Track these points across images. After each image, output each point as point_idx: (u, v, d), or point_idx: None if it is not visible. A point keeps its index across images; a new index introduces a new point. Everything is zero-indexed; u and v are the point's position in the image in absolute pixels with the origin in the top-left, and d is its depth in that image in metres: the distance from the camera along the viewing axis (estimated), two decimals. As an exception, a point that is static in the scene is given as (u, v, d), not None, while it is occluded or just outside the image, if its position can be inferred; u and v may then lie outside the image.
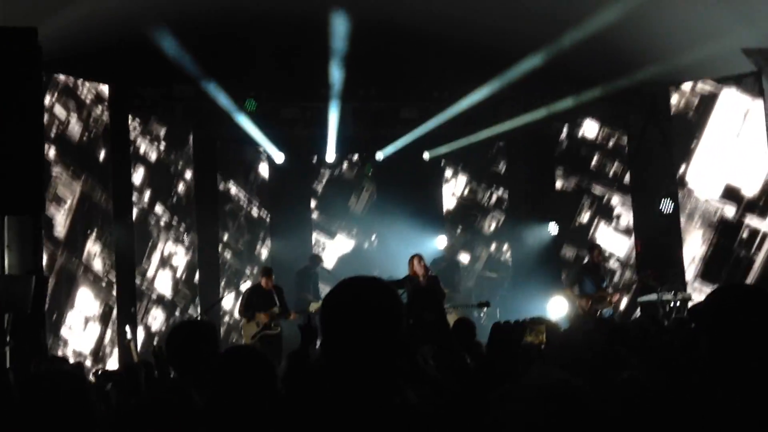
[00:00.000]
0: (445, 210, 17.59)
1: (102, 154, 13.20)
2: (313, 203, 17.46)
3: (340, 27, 13.41)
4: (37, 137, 9.24)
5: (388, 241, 16.77)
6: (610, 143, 15.63)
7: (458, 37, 14.41)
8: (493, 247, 17.29)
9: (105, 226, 13.06)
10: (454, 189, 17.69)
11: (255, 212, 16.55)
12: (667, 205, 14.02)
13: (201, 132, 15.31)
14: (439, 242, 16.75)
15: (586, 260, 12.93)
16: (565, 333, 5.49)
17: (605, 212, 15.55)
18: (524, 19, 13.40)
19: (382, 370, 2.70)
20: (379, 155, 16.70)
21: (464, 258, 17.22)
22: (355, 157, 17.36)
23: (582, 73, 13.99)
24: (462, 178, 17.66)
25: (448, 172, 17.69)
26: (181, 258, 14.57)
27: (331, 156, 16.53)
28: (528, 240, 16.41)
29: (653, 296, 12.54)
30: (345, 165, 17.42)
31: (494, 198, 17.46)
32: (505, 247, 17.10)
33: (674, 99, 14.12)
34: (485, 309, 13.40)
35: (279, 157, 16.19)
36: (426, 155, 16.77)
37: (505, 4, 13.38)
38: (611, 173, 15.54)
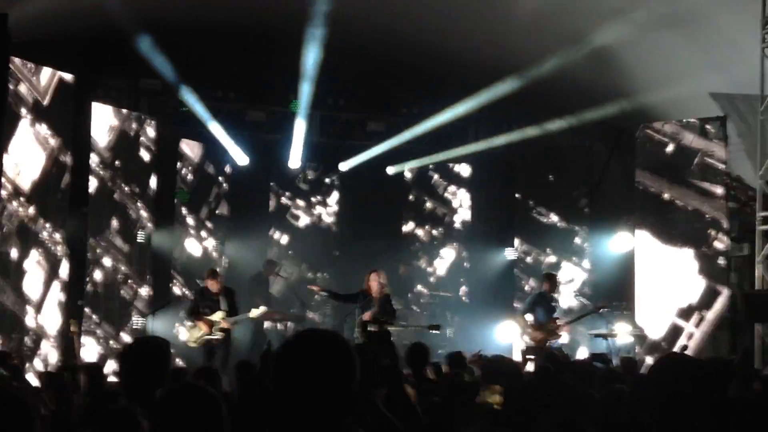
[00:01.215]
0: (405, 226, 17.57)
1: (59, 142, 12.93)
2: (272, 208, 17.35)
3: (314, 35, 13.36)
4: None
5: (348, 252, 16.72)
6: (573, 174, 15.73)
7: (432, 56, 14.50)
8: (449, 265, 17.30)
9: (60, 214, 12.81)
10: (416, 205, 17.67)
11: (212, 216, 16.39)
12: (623, 241, 14.17)
13: (165, 128, 15.08)
14: (397, 258, 16.80)
15: (540, 289, 12.98)
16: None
17: (563, 242, 15.65)
18: (499, 46, 13.50)
19: (332, 427, 2.65)
20: (343, 166, 16.68)
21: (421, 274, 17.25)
22: (319, 165, 17.28)
23: (551, 102, 14.10)
24: (425, 196, 17.65)
25: (412, 189, 17.65)
26: (135, 254, 14.29)
27: (294, 162, 16.45)
28: (485, 263, 16.45)
29: (603, 329, 12.66)
30: (308, 172, 17.32)
31: (455, 218, 17.47)
32: (463, 267, 17.11)
33: (638, 137, 14.22)
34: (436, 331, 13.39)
35: (243, 160, 16.06)
36: (390, 170, 16.75)
37: (482, 29, 13.45)
38: (573, 203, 15.64)
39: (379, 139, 15.97)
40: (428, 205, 17.58)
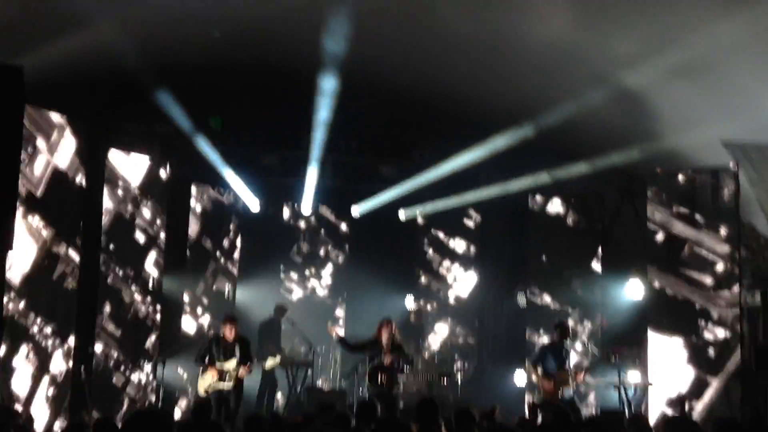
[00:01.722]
0: (417, 272, 17.55)
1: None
2: (285, 253, 17.37)
3: (328, 78, 13.45)
4: (13, 176, 9.13)
5: (358, 298, 16.69)
6: (584, 221, 15.70)
7: (445, 100, 14.54)
8: (459, 315, 17.26)
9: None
10: (427, 252, 17.66)
11: (225, 259, 16.38)
12: (633, 288, 14.09)
13: (177, 171, 15.10)
14: (408, 303, 16.75)
15: (550, 338, 12.90)
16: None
17: (574, 289, 15.57)
18: (511, 92, 13.54)
19: None
20: (355, 210, 16.70)
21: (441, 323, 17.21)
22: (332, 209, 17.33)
23: (562, 149, 14.10)
24: (437, 242, 17.64)
25: (424, 234, 17.66)
26: (143, 302, 14.26)
27: (307, 207, 16.48)
28: (496, 311, 16.39)
29: (615, 379, 12.56)
30: (321, 216, 17.35)
31: (466, 266, 17.43)
32: (473, 315, 17.05)
33: (650, 185, 14.21)
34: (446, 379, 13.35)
35: (254, 204, 16.09)
36: (402, 214, 16.76)
37: (496, 73, 13.51)
38: (582, 252, 15.58)
39: (392, 183, 16.00)
40: (439, 251, 17.57)
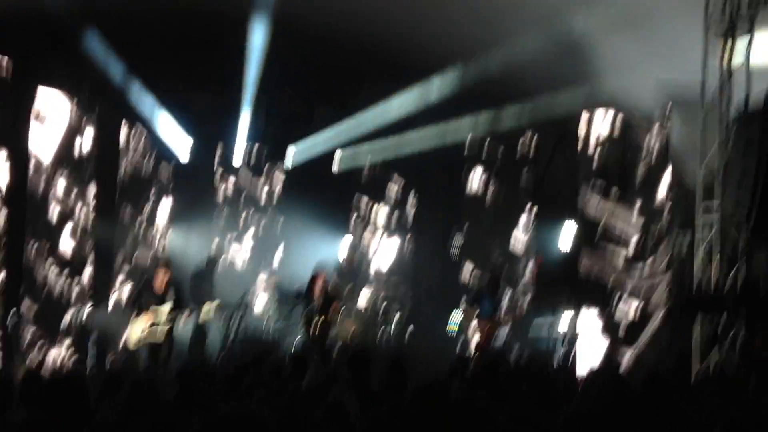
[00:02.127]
0: (353, 215, 17.50)
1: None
2: (219, 196, 17.19)
3: (260, 23, 13.17)
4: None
5: (294, 242, 16.61)
6: (517, 162, 15.77)
7: (382, 43, 14.34)
8: (396, 258, 17.31)
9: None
10: (364, 193, 17.62)
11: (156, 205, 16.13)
12: (568, 230, 14.21)
13: (107, 112, 14.74)
14: (344, 245, 16.75)
15: (486, 280, 12.97)
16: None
17: (509, 232, 15.71)
18: (446, 35, 13.40)
19: None
20: (289, 155, 16.53)
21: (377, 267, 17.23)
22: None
23: (499, 93, 14.05)
24: (373, 184, 17.61)
25: (359, 179, 17.59)
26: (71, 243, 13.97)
27: (240, 151, 16.25)
28: (431, 254, 16.46)
29: (548, 320, 12.77)
30: (254, 161, 17.14)
31: (404, 204, 17.46)
32: (409, 259, 17.11)
33: (583, 126, 14.29)
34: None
35: (188, 147, 15.81)
36: (336, 159, 16.65)
37: (431, 17, 13.35)
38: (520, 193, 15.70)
39: (326, 128, 15.83)
40: (374, 196, 17.55)
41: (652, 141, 13.51)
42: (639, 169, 13.63)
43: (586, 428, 3.35)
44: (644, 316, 13.12)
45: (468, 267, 15.83)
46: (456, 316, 13.92)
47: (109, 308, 14.20)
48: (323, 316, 12.09)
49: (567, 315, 13.07)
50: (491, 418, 5.24)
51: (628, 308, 13.39)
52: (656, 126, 13.46)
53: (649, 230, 13.39)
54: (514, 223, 15.64)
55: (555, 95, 13.62)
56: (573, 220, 14.24)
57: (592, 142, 14.12)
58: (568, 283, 14.06)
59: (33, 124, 13.28)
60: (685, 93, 12.84)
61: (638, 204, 13.57)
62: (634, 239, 13.53)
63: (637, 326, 13.29)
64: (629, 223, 13.60)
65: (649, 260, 13.28)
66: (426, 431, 3.87)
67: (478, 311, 12.42)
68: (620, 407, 5.41)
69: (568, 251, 14.22)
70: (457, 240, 16.14)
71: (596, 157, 14.11)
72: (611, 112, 13.97)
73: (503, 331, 12.34)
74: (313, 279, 12.19)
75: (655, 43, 12.41)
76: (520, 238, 15.50)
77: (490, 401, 6.18)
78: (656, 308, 13.07)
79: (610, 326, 13.51)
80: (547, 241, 14.72)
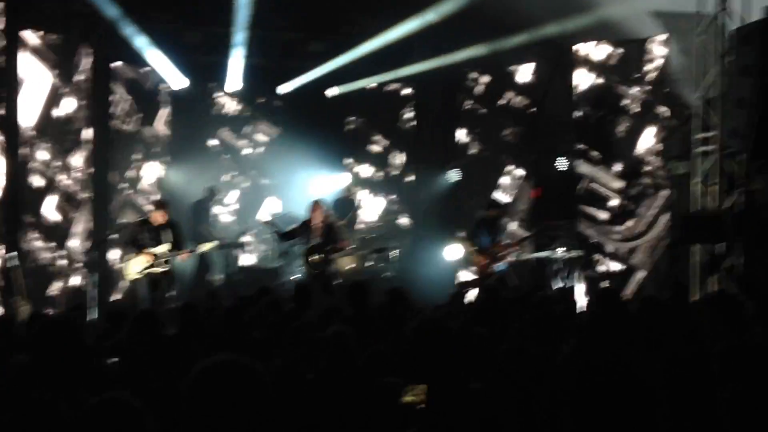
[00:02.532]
0: (348, 149, 17.46)
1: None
2: (214, 133, 17.15)
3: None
4: None
5: (290, 177, 16.59)
6: (512, 94, 15.68)
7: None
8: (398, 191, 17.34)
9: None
10: (358, 130, 17.55)
11: (152, 140, 16.03)
12: (563, 163, 14.19)
13: (99, 51, 14.59)
14: (340, 180, 16.72)
15: (483, 213, 12.97)
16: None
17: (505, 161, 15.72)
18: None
19: None
20: (282, 88, 16.40)
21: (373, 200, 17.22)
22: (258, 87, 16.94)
23: (494, 21, 13.87)
24: (366, 121, 17.52)
25: (354, 112, 17.48)
26: (66, 183, 13.91)
27: (233, 85, 16.12)
28: (429, 187, 16.44)
29: (547, 252, 12.82)
30: (248, 95, 17.01)
31: (399, 143, 17.40)
32: (407, 192, 17.11)
33: (579, 55, 14.19)
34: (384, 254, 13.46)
35: (181, 83, 15.67)
36: (330, 92, 16.52)
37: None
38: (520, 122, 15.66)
39: (320, 60, 15.66)
40: (369, 128, 17.49)
41: (649, 71, 13.43)
42: (634, 101, 13.58)
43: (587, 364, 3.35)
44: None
45: (466, 197, 15.82)
46: (453, 247, 13.99)
47: (108, 248, 14.22)
48: (324, 250, 12.14)
49: (565, 247, 13.12)
50: (491, 351, 5.30)
51: (626, 232, 13.48)
52: (653, 55, 13.37)
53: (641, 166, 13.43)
54: (511, 155, 15.60)
55: (552, 24, 13.46)
56: (569, 152, 14.22)
57: (588, 71, 14.04)
58: (566, 215, 14.11)
59: (25, 66, 13.11)
60: (681, 23, 12.74)
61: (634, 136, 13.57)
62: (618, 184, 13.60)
63: (633, 254, 13.40)
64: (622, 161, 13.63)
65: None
66: (426, 364, 3.91)
67: (476, 242, 12.45)
68: (621, 333, 5.48)
69: (565, 181, 14.22)
70: (455, 172, 16.10)
71: (592, 86, 14.06)
72: (607, 41, 13.88)
73: (501, 264, 12.38)
74: (312, 210, 12.21)
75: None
76: (516, 172, 15.49)
77: (490, 333, 6.26)
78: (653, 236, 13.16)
79: (608, 256, 13.61)
80: (544, 172, 14.69)
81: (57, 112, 13.67)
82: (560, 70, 14.53)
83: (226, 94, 16.81)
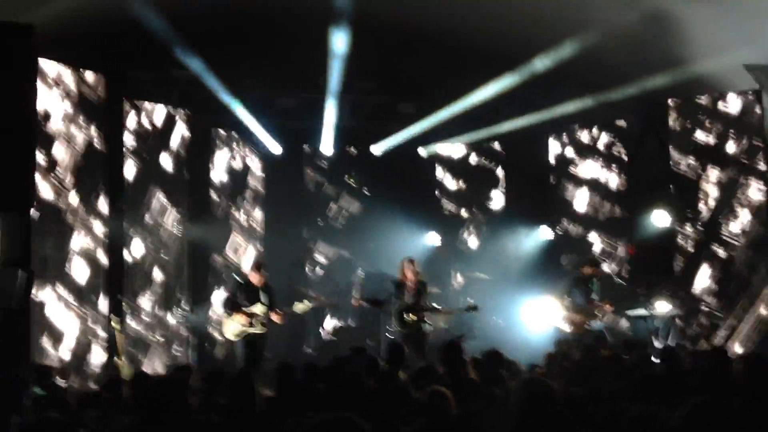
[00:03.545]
0: (439, 208, 17.53)
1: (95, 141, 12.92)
2: (306, 195, 17.43)
3: (341, 18, 13.22)
4: (30, 134, 9.17)
5: (381, 238, 16.70)
6: (606, 149, 15.57)
7: (460, 35, 14.28)
8: (485, 246, 17.26)
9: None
10: (449, 187, 17.64)
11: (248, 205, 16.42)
12: (660, 217, 13.93)
13: (196, 118, 15.07)
14: (431, 240, 16.75)
15: (578, 272, 12.82)
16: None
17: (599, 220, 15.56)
18: (529, 23, 13.27)
19: None
20: (375, 149, 16.60)
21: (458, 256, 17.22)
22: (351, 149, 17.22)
23: (582, 80, 13.87)
24: (457, 178, 17.62)
25: (443, 171, 17.61)
26: (171, 251, 14.31)
27: (326, 148, 16.40)
28: (521, 244, 16.33)
29: (642, 311, 12.56)
30: (340, 158, 17.27)
31: (489, 199, 17.42)
32: (498, 248, 17.03)
33: (672, 112, 14.05)
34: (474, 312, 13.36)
35: (275, 148, 16.02)
36: (422, 151, 16.65)
37: (512, 5, 13.24)
38: (606, 181, 15.51)
39: (410, 121, 15.84)
40: (462, 186, 17.55)
41: (745, 125, 13.20)
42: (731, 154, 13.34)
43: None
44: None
45: (560, 256, 15.68)
46: (546, 304, 13.69)
47: (207, 308, 14.53)
48: (415, 308, 12.13)
49: (663, 304, 12.84)
50: (592, 414, 5.23)
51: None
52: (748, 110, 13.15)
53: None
54: (606, 212, 15.45)
55: (644, 80, 13.37)
56: (665, 207, 13.96)
57: (683, 126, 13.87)
58: (663, 272, 13.82)
59: (127, 137, 13.60)
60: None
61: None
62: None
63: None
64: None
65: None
66: (531, 425, 3.88)
67: (570, 300, 12.30)
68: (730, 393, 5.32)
69: (662, 238, 13.96)
70: (547, 230, 16.00)
71: (687, 141, 13.87)
72: (701, 96, 13.71)
73: (597, 322, 12.19)
74: (403, 267, 12.23)
75: (743, 25, 12.12)
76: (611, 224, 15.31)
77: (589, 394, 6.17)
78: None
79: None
80: (640, 228, 14.45)
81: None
82: (654, 126, 14.36)
83: (318, 157, 17.08)
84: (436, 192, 17.65)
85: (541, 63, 13.60)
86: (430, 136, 16.13)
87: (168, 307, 14.03)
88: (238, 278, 12.94)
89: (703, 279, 13.47)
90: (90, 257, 12.52)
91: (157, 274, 13.95)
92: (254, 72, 15.48)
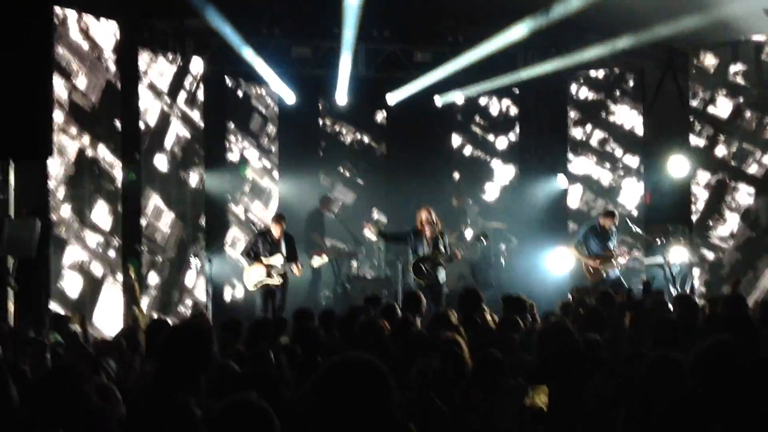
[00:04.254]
0: (455, 157, 17.47)
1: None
2: (322, 145, 17.42)
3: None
4: (46, 81, 9.10)
5: (398, 186, 16.68)
6: (624, 98, 15.45)
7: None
8: (501, 196, 17.22)
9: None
10: (465, 135, 17.57)
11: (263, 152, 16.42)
12: (677, 164, 13.80)
13: (211, 68, 15.03)
14: (449, 190, 16.75)
15: (595, 222, 12.78)
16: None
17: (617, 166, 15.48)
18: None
19: None
20: (390, 98, 16.49)
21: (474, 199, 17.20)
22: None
23: (602, 25, 13.68)
24: (474, 125, 17.54)
25: (460, 118, 17.55)
26: (187, 201, 14.32)
27: (341, 98, 16.32)
28: (537, 192, 16.28)
29: (659, 259, 12.53)
30: (356, 107, 17.18)
31: (505, 146, 17.36)
32: (513, 195, 16.99)
33: (692, 56, 13.89)
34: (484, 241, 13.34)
35: (290, 97, 15.96)
36: (438, 100, 16.54)
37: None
38: (624, 125, 15.41)
39: (426, 70, 15.69)
40: (478, 132, 17.49)
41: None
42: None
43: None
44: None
45: (577, 198, 15.64)
46: (561, 253, 13.65)
47: (225, 257, 14.63)
48: (432, 255, 12.13)
49: (679, 251, 12.78)
50: (606, 360, 5.25)
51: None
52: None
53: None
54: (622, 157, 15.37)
55: (663, 24, 13.17)
56: (683, 154, 13.85)
57: (702, 72, 13.72)
58: (679, 220, 13.76)
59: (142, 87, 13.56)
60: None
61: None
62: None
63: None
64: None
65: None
66: (551, 368, 3.91)
67: (586, 249, 12.29)
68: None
69: (678, 185, 13.88)
70: (563, 178, 15.93)
71: (705, 88, 13.73)
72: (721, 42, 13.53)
73: (613, 270, 12.18)
74: (420, 216, 12.22)
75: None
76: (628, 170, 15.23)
77: (604, 339, 6.18)
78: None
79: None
80: (657, 174, 14.35)
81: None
82: (672, 74, 14.18)
83: (334, 106, 16.99)
84: (453, 140, 17.54)
85: (561, 8, 13.42)
86: (446, 85, 15.95)
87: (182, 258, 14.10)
88: (258, 229, 13.01)
89: (723, 228, 13.44)
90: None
91: (173, 225, 13.97)
92: (269, 21, 15.40)
